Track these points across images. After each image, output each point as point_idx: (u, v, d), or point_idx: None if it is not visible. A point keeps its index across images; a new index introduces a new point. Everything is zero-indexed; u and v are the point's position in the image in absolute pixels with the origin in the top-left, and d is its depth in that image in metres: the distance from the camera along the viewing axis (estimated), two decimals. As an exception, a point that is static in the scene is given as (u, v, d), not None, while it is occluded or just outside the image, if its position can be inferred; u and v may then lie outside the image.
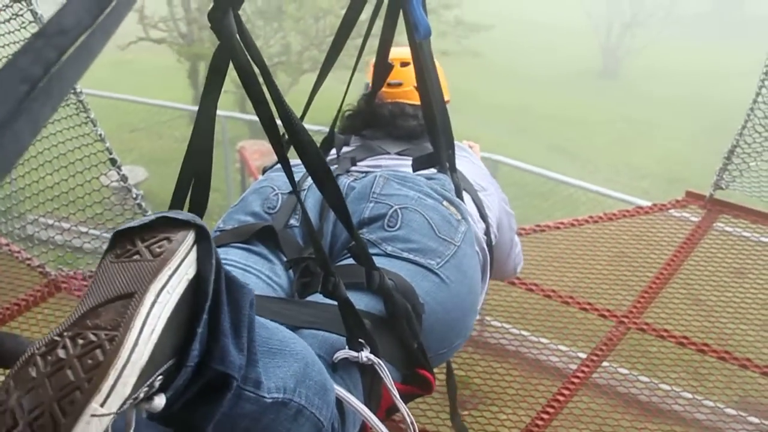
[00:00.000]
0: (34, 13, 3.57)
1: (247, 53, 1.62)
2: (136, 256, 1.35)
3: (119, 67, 19.78)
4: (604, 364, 3.95)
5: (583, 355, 3.96)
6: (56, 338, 1.28)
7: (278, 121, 1.69)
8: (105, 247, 1.43)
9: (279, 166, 1.77)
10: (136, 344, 1.25)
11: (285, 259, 2.35)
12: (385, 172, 2.64)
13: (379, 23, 2.72)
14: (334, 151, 3.01)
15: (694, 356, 4.01)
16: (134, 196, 4.15)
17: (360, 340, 1.95)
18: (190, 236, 1.40)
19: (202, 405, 1.44)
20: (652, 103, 25.92)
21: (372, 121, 3.18)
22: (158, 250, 1.35)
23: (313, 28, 17.55)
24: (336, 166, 2.84)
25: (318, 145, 2.87)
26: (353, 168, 2.83)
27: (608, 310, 4.20)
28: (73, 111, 3.90)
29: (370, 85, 3.08)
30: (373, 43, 2.87)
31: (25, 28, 3.58)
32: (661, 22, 29.72)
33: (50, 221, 4.32)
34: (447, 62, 2.94)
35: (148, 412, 1.35)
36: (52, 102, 0.92)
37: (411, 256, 2.30)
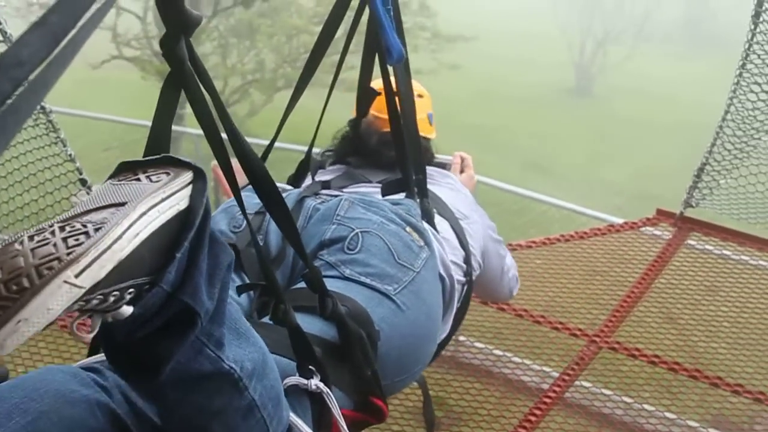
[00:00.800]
0: (3, 32, 3.55)
1: (198, 80, 1.61)
2: (135, 181, 1.42)
3: (93, 85, 19.72)
4: (577, 382, 3.95)
5: (556, 374, 3.97)
6: (45, 226, 1.32)
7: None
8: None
9: (250, 186, 1.76)
10: (119, 238, 1.30)
11: (246, 279, 2.34)
12: (351, 196, 2.63)
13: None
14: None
15: (666, 375, 4.02)
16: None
17: (310, 367, 1.95)
18: (188, 175, 1.46)
19: (164, 338, 1.44)
20: (625, 120, 26.14)
21: (358, 149, 3.18)
22: (156, 179, 1.42)
23: (287, 46, 17.58)
24: (304, 188, 2.84)
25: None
26: (323, 191, 2.83)
27: (580, 329, 4.21)
28: (43, 131, 3.88)
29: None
30: (350, 59, 2.88)
31: (-7, 47, 3.56)
32: (634, 39, 29.95)
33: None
34: (421, 81, 2.94)
35: (111, 326, 1.39)
36: (6, 136, 0.92)
37: (368, 281, 2.29)
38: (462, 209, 3.12)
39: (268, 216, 2.46)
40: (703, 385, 3.97)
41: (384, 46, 2.41)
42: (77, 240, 1.28)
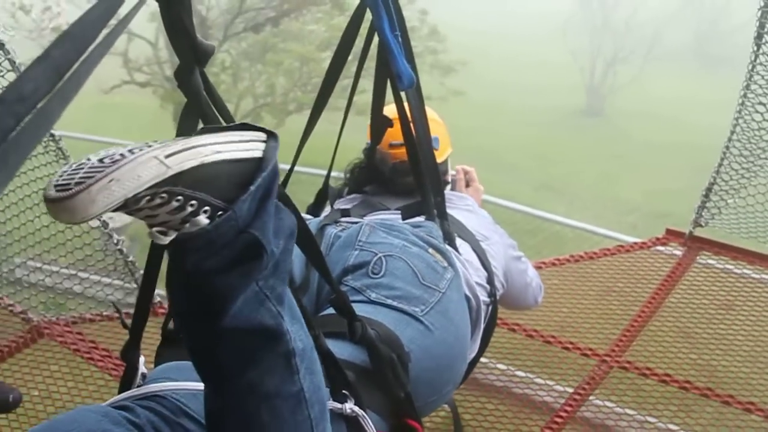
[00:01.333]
0: (12, 62, 3.60)
1: (214, 109, 1.66)
2: (216, 131, 1.53)
3: (104, 110, 19.83)
4: (590, 400, 3.97)
5: (570, 390, 3.99)
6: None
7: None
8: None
9: None
10: (203, 146, 1.45)
11: None
12: (372, 221, 2.66)
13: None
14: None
15: (677, 393, 4.03)
16: (115, 241, 4.17)
17: (344, 391, 1.96)
18: (263, 134, 1.56)
19: (230, 273, 1.48)
20: (636, 139, 26.10)
21: (374, 178, 3.22)
22: (236, 130, 1.54)
23: (298, 71, 17.65)
24: (324, 216, 2.88)
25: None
26: (343, 219, 2.86)
27: (591, 349, 4.22)
28: (53, 158, 3.93)
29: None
30: (363, 84, 2.92)
31: (3, 76, 3.61)
32: (643, 59, 29.93)
33: (38, 264, 4.34)
34: (430, 106, 2.97)
35: (183, 249, 1.46)
36: (9, 170, 0.95)
37: (395, 303, 2.31)
38: (482, 231, 3.16)
39: None
40: (715, 403, 3.98)
41: (394, 72, 2.45)
42: (165, 141, 1.43)
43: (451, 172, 3.65)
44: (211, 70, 15.30)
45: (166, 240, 1.46)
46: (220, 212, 1.45)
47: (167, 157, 1.39)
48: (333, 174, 3.19)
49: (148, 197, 1.39)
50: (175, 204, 1.41)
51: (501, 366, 4.29)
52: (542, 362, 4.34)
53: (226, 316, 1.49)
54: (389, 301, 2.32)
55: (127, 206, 1.38)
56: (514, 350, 4.37)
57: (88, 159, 1.37)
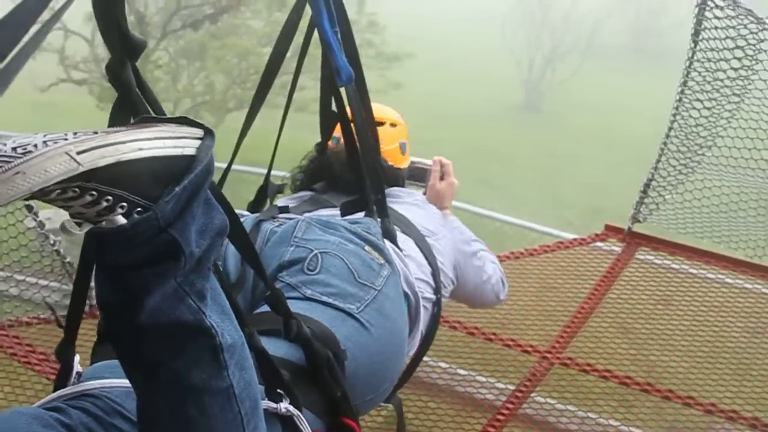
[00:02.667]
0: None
1: (147, 105, 1.63)
2: (149, 123, 1.51)
3: (41, 108, 19.57)
4: (531, 397, 3.98)
5: (512, 387, 3.99)
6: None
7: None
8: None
9: None
10: (123, 143, 1.42)
11: None
12: (308, 217, 2.64)
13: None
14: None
15: (618, 389, 4.06)
16: (52, 242, 4.09)
17: (279, 390, 1.94)
18: (199, 131, 1.53)
19: (147, 270, 1.46)
20: (574, 135, 26.35)
21: (324, 175, 3.20)
22: (169, 125, 1.51)
23: (237, 68, 17.56)
24: (261, 212, 2.84)
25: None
26: (280, 215, 2.83)
27: (531, 346, 4.23)
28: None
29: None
30: (303, 80, 2.89)
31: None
32: (581, 55, 30.24)
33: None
34: (372, 99, 2.95)
35: (102, 243, 1.45)
36: None
37: (331, 300, 2.29)
38: (428, 226, 3.14)
39: (226, 240, 2.47)
40: (655, 398, 4.01)
41: (333, 67, 2.42)
42: (86, 134, 1.39)
43: (427, 161, 3.62)
44: (145, 68, 15.16)
45: (81, 231, 1.46)
46: (139, 209, 1.44)
47: (80, 153, 1.36)
48: (274, 172, 3.16)
49: (58, 190, 1.37)
50: (88, 198, 1.40)
51: (442, 364, 4.29)
52: (483, 360, 4.35)
53: (143, 312, 1.48)
54: (325, 298, 2.30)
55: (37, 197, 1.38)
56: (456, 348, 4.37)
57: (4, 144, 1.35)
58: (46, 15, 1.42)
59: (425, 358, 3.81)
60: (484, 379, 4.28)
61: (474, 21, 39.08)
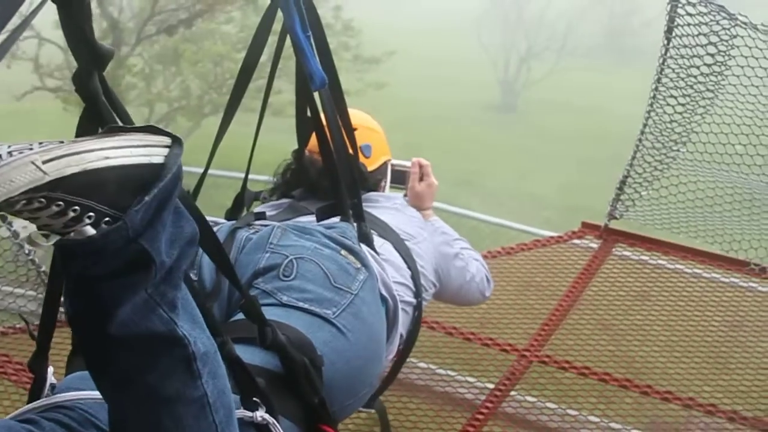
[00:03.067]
0: None
1: (114, 114, 1.62)
2: (117, 133, 1.50)
3: (16, 117, 19.46)
4: (512, 395, 3.99)
5: (491, 386, 4.00)
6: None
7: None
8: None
9: None
10: (89, 152, 1.41)
11: None
12: (284, 223, 2.63)
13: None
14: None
15: (597, 385, 4.07)
16: (26, 252, 4.07)
17: (255, 398, 1.93)
18: (167, 140, 1.52)
19: (117, 281, 1.45)
20: (550, 134, 26.43)
21: (301, 182, 3.18)
22: (136, 134, 1.51)
23: (212, 72, 17.51)
24: (238, 220, 2.84)
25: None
26: (256, 222, 2.82)
27: (510, 344, 4.24)
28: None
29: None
30: (280, 84, 2.88)
31: None
32: (556, 55, 30.34)
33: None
34: (348, 101, 2.94)
35: (70, 254, 1.43)
36: None
37: (306, 306, 2.28)
38: (407, 230, 3.13)
39: (200, 250, 2.46)
40: (634, 393, 4.03)
41: (306, 72, 2.41)
42: (52, 143, 1.39)
43: (406, 163, 3.61)
44: (118, 73, 15.09)
45: (47, 243, 1.45)
46: (107, 219, 1.42)
47: (45, 162, 1.35)
48: (252, 176, 3.14)
49: (24, 201, 1.36)
50: (55, 209, 1.38)
51: (422, 364, 4.29)
52: (462, 359, 4.36)
53: (113, 323, 1.46)
54: (301, 304, 2.29)
55: (2, 208, 1.37)
56: (435, 348, 4.37)
57: None
58: (15, 21, 1.42)
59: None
60: (463, 378, 4.29)
61: (449, 23, 39.13)
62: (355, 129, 3.34)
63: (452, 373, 4.32)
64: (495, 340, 4.29)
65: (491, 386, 4.00)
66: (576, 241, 5.25)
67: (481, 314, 4.55)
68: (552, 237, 5.37)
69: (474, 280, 3.48)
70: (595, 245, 5.15)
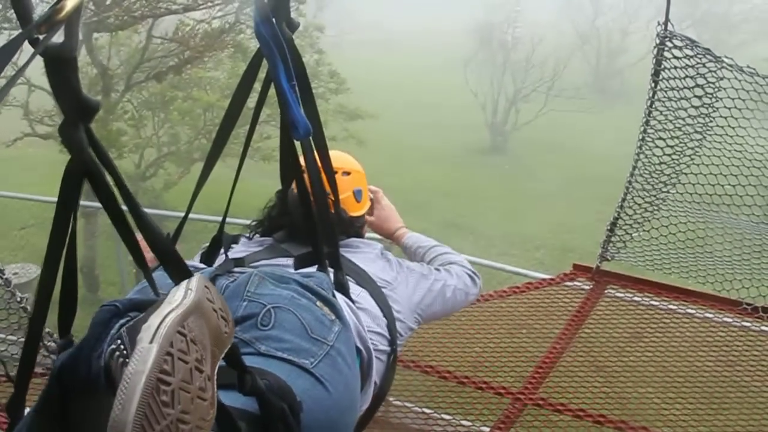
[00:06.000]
0: None
1: (100, 165, 1.63)
2: None
3: (5, 163, 19.47)
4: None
5: (486, 429, 3.99)
6: None
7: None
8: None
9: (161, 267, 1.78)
10: None
11: None
12: (261, 271, 2.62)
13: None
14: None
15: (591, 428, 4.06)
16: (18, 299, 4.06)
17: None
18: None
19: None
20: (540, 175, 26.50)
21: (284, 223, 3.19)
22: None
23: (201, 119, 17.56)
24: (217, 266, 2.82)
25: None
26: (236, 269, 2.81)
27: (504, 388, 4.23)
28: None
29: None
30: (267, 130, 2.88)
31: None
32: (544, 96, 30.49)
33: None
34: (334, 147, 2.94)
35: None
36: None
37: (285, 356, 2.26)
38: (384, 276, 3.13)
39: None
40: (630, 436, 4.02)
41: (290, 121, 2.42)
42: None
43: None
44: (109, 119, 15.12)
45: None
46: None
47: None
48: (238, 221, 3.14)
49: None
50: None
51: (416, 409, 4.28)
52: (457, 403, 4.34)
53: None
54: (279, 354, 2.27)
55: None
56: (429, 392, 4.36)
57: None
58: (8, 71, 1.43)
59: (398, 402, 3.80)
60: (458, 422, 4.28)
61: (437, 66, 39.39)
62: (348, 173, 3.35)
63: (447, 417, 4.30)
64: (489, 383, 4.28)
65: (486, 430, 3.99)
66: (568, 283, 5.26)
67: (474, 357, 4.55)
68: (544, 279, 5.38)
69: (458, 288, 3.48)
70: (587, 287, 5.16)
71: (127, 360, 1.48)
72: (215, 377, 1.70)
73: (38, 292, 1.85)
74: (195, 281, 1.64)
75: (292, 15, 2.44)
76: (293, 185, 3.09)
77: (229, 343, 1.71)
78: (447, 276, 3.49)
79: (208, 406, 1.55)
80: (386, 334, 2.90)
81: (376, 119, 21.85)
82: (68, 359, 1.73)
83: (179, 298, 1.59)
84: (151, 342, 1.47)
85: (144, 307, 1.70)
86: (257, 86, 2.64)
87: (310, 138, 2.59)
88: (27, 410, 1.97)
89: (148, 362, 1.44)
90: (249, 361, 2.07)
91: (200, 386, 1.52)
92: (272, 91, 2.55)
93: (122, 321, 1.66)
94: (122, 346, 1.54)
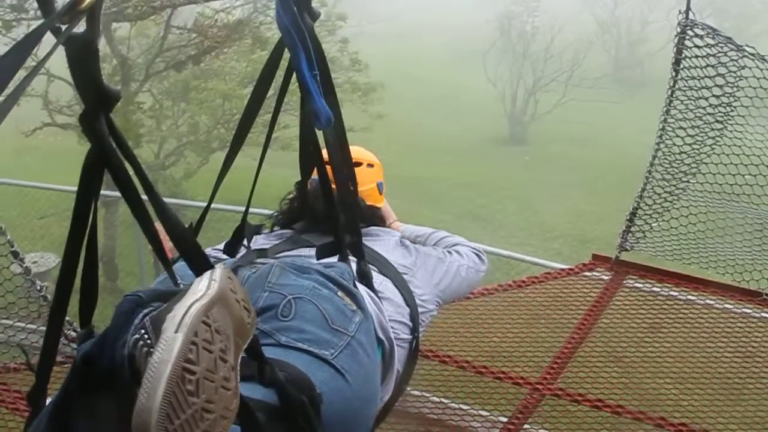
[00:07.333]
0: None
1: (120, 154, 1.63)
2: None
3: (25, 153, 19.56)
4: (525, 426, 3.97)
5: (504, 419, 3.98)
6: None
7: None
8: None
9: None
10: None
11: None
12: (282, 261, 2.62)
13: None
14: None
15: (609, 418, 4.05)
16: (38, 288, 4.08)
17: None
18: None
19: None
20: (559, 165, 26.38)
21: (304, 214, 3.19)
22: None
23: (220, 108, 17.57)
24: (239, 257, 2.83)
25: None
26: (258, 260, 2.81)
27: (522, 378, 4.23)
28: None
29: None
30: (285, 118, 2.87)
31: None
32: (564, 87, 30.35)
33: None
34: (355, 137, 2.94)
35: None
36: None
37: (305, 346, 2.26)
38: (404, 262, 3.13)
39: None
40: (648, 426, 4.00)
41: (312, 111, 2.41)
42: None
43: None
44: (128, 109, 15.15)
45: None
46: None
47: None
48: (259, 210, 3.14)
49: None
50: None
51: (434, 398, 4.27)
52: (475, 393, 4.34)
53: None
54: (299, 344, 2.27)
55: None
56: (447, 382, 4.36)
57: None
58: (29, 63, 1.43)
59: (416, 392, 3.80)
60: (476, 412, 4.27)
61: (456, 57, 39.29)
62: (371, 165, 3.36)
63: (465, 407, 4.30)
64: (507, 373, 4.28)
65: (504, 420, 3.99)
66: (587, 273, 5.24)
67: (492, 347, 4.54)
68: (563, 269, 5.36)
69: (470, 267, 3.52)
70: (606, 277, 5.14)
71: (151, 349, 1.49)
72: (238, 368, 1.72)
73: (59, 281, 1.86)
74: (218, 272, 1.66)
75: (313, 4, 2.44)
76: (312, 176, 3.11)
77: (251, 333, 1.72)
78: (458, 257, 3.51)
79: (231, 395, 1.56)
80: (408, 322, 2.90)
81: (389, 91, 21.85)
82: (92, 348, 1.74)
83: (203, 288, 1.60)
84: (176, 331, 1.48)
85: (167, 297, 1.70)
86: (278, 75, 2.65)
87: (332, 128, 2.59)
88: (48, 399, 1.98)
89: (174, 351, 1.45)
90: (269, 352, 2.08)
91: (224, 376, 1.53)
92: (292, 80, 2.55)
93: (145, 311, 1.66)
94: (146, 336, 1.55)
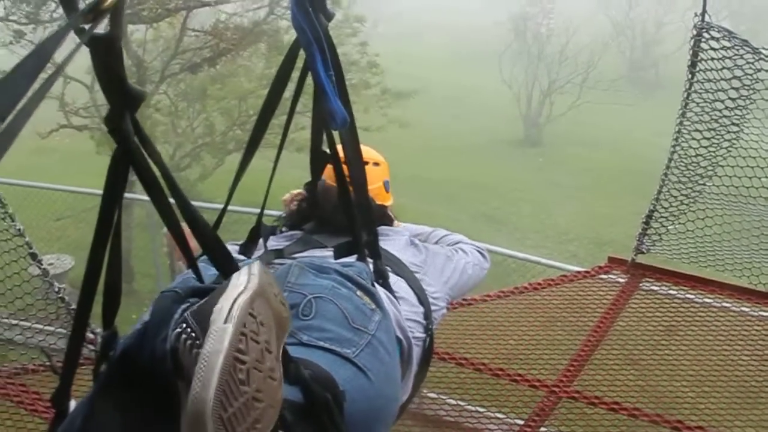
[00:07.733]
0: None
1: (146, 154, 1.64)
2: None
3: (41, 154, 19.62)
4: (542, 429, 3.97)
5: (521, 422, 3.98)
6: None
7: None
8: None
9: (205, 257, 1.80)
10: None
11: None
12: (301, 261, 2.63)
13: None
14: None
15: (626, 421, 4.04)
16: (56, 289, 4.09)
17: (280, 431, 1.93)
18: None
19: None
20: (574, 167, 26.34)
21: (314, 215, 3.20)
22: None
23: (236, 109, 17.59)
24: (257, 258, 2.83)
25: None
26: (276, 260, 2.82)
27: (539, 380, 4.22)
28: (-11, 206, 3.88)
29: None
30: (301, 120, 2.87)
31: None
32: (578, 89, 30.29)
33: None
34: (370, 137, 2.94)
35: None
36: None
37: (327, 345, 2.27)
38: (415, 261, 3.14)
39: None
40: (665, 429, 3.99)
41: (327, 111, 2.42)
42: None
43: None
44: (145, 112, 15.19)
45: None
46: None
47: None
48: (272, 212, 3.15)
49: None
50: None
51: (451, 401, 4.27)
52: (491, 395, 4.33)
53: None
54: (321, 343, 2.28)
55: None
56: (463, 384, 4.36)
57: None
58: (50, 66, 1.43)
59: (433, 395, 3.79)
60: (492, 415, 4.27)
61: (471, 58, 39.25)
62: (377, 164, 3.37)
63: (481, 410, 4.30)
64: (524, 376, 4.28)
65: (521, 422, 3.98)
66: (603, 275, 5.23)
67: (509, 350, 4.54)
68: (579, 272, 5.35)
69: (474, 264, 3.55)
70: (622, 280, 5.13)
71: (196, 342, 1.52)
72: (281, 359, 1.74)
73: (84, 282, 1.86)
74: (256, 267, 1.68)
75: (328, 5, 2.44)
76: (322, 176, 3.12)
77: (289, 327, 1.76)
78: (464, 255, 3.54)
79: (277, 386, 1.59)
80: (422, 320, 2.91)
81: (415, 98, 21.85)
82: (133, 343, 1.77)
83: (244, 281, 1.62)
84: (225, 322, 1.50)
85: (203, 293, 1.72)
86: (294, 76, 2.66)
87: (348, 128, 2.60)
88: (72, 401, 1.99)
89: (225, 341, 1.48)
90: (292, 351, 2.08)
91: (270, 366, 1.56)
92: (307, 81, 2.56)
93: (184, 306, 1.67)
94: (189, 330, 1.56)
